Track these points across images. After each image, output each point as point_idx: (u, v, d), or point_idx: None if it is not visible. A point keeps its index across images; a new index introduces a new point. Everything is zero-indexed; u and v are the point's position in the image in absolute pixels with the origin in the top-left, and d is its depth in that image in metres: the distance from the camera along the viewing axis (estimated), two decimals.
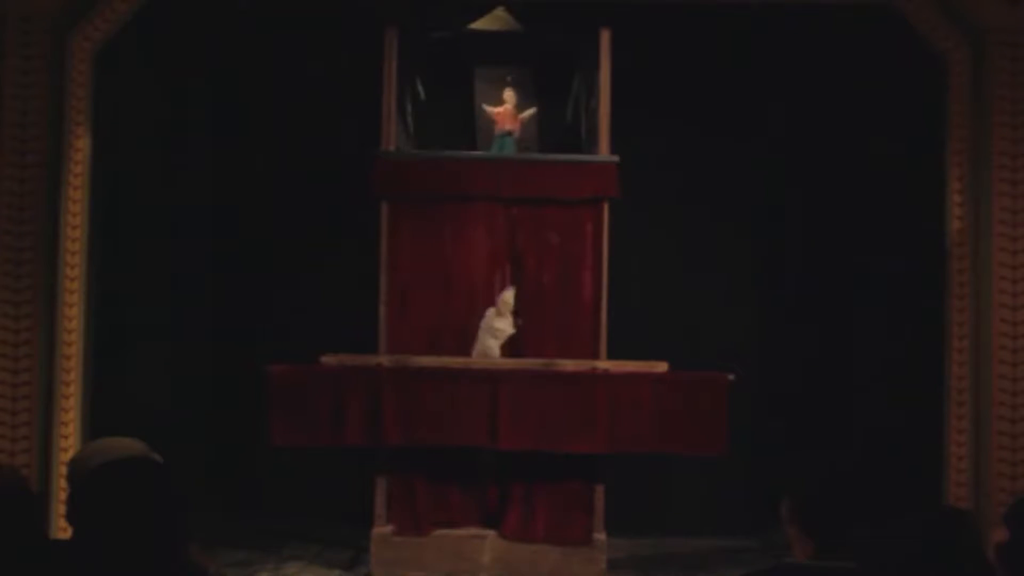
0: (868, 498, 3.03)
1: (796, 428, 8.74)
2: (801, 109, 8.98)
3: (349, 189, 8.49)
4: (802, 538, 3.03)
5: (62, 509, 6.52)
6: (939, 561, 2.67)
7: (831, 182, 9.02)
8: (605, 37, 7.83)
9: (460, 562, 7.52)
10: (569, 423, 7.41)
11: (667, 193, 9.01)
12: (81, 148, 7.56)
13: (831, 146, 8.96)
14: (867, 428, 8.61)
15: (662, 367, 7.57)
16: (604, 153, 7.80)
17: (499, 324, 7.66)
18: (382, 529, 7.62)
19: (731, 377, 7.40)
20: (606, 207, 7.80)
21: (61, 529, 6.46)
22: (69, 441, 7.35)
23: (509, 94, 8.15)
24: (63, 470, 6.75)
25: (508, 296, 7.69)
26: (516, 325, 7.70)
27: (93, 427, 7.47)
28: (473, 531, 7.66)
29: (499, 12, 8.17)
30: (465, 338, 7.77)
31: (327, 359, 7.56)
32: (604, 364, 7.63)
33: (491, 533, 7.63)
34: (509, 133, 8.12)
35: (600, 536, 7.61)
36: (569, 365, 7.59)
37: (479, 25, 8.23)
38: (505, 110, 8.14)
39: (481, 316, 7.75)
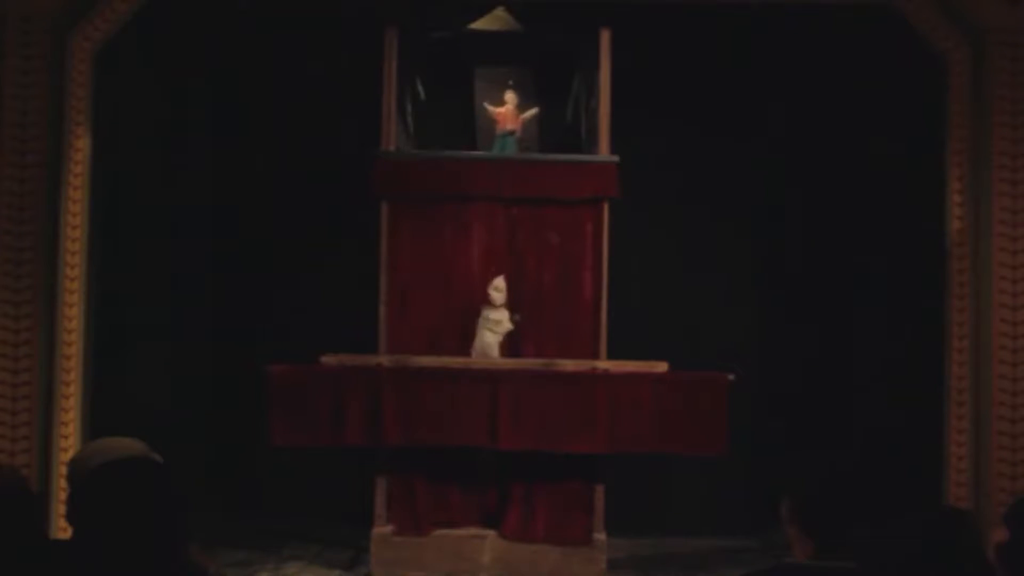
0: (868, 498, 3.03)
1: (796, 428, 8.73)
2: (801, 109, 8.98)
3: (349, 189, 8.49)
4: (802, 538, 3.03)
5: (62, 509, 6.52)
6: (939, 561, 2.66)
7: (831, 182, 9.01)
8: (605, 37, 7.82)
9: (460, 562, 7.52)
10: (569, 423, 7.40)
11: (667, 193, 9.01)
12: (81, 148, 7.55)
13: (831, 146, 8.96)
14: (867, 428, 8.61)
15: (662, 367, 7.57)
16: (604, 153, 7.80)
17: (494, 315, 7.64)
18: (382, 529, 7.61)
19: (731, 377, 7.40)
20: (606, 207, 7.80)
21: (61, 529, 6.45)
22: (69, 441, 7.35)
23: (511, 95, 8.15)
24: (63, 470, 6.74)
25: (499, 282, 7.66)
26: (514, 321, 7.69)
27: (93, 427, 7.47)
28: (473, 531, 7.65)
29: (499, 12, 8.17)
30: (465, 338, 7.77)
31: (327, 359, 7.56)
32: (604, 364, 7.62)
33: (491, 533, 7.62)
34: (511, 133, 8.13)
35: (600, 536, 7.60)
36: (569, 365, 7.59)
37: (479, 25, 8.23)
38: (507, 110, 8.14)
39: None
